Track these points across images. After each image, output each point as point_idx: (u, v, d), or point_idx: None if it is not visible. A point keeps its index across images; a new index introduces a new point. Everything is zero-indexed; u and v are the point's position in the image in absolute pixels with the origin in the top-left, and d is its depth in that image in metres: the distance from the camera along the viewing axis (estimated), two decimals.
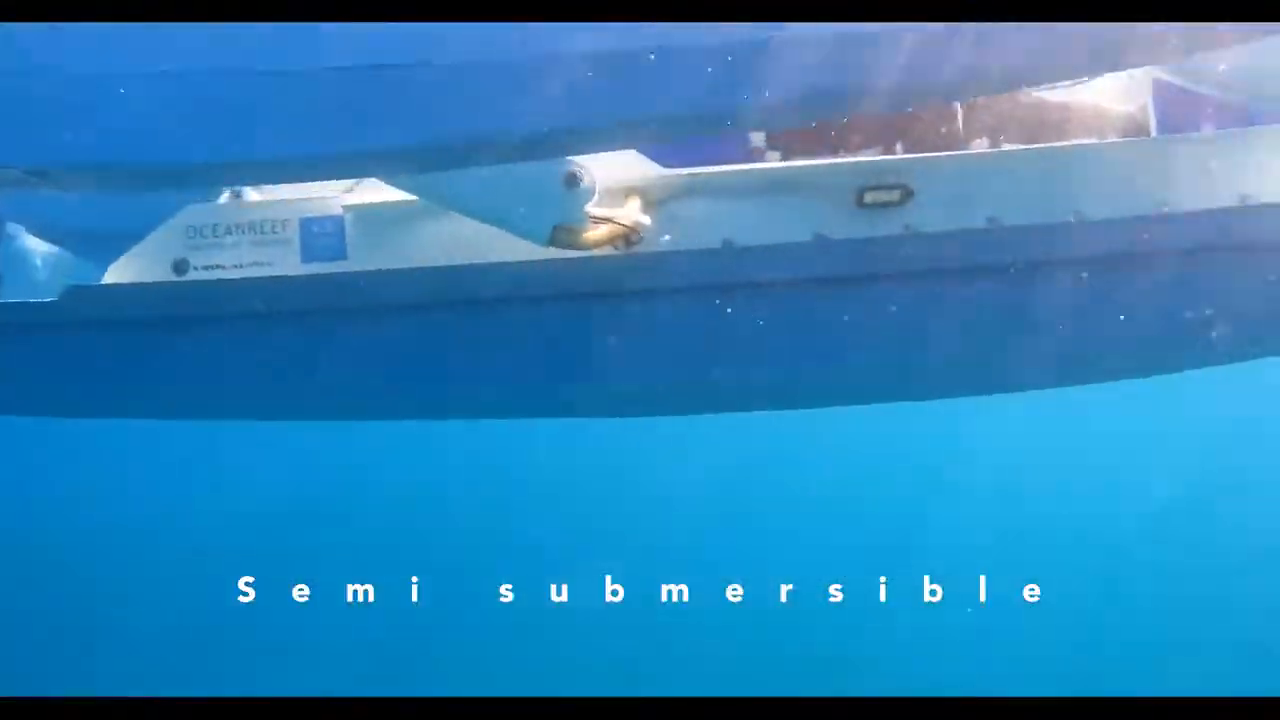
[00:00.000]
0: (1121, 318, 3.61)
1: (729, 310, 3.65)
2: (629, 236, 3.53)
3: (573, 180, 3.37)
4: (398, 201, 3.61)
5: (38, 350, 3.66)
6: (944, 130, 3.91)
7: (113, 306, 3.56)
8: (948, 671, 11.00)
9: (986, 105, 4.01)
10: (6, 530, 11.33)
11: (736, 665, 11.63)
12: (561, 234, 3.40)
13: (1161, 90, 3.82)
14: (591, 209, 3.43)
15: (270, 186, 3.78)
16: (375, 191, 3.67)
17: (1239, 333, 3.73)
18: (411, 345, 3.69)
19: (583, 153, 3.39)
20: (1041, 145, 3.82)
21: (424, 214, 3.61)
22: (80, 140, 2.55)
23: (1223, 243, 3.59)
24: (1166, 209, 3.57)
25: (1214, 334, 3.69)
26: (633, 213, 3.53)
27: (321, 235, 3.65)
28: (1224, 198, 3.60)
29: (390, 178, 3.49)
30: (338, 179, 3.58)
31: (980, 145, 4.02)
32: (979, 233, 3.58)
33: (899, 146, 3.94)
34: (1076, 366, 3.90)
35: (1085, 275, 3.56)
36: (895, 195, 3.59)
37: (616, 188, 3.60)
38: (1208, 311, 3.62)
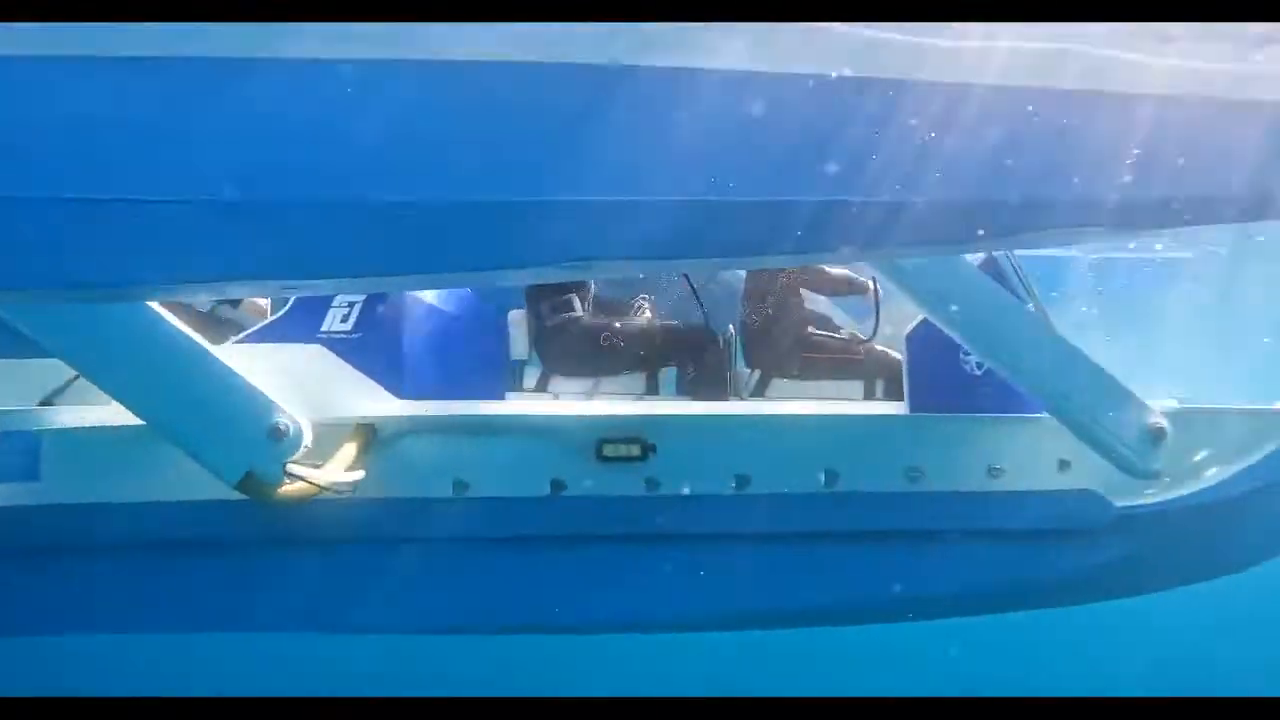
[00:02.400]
0: (858, 587, 3.73)
1: (456, 560, 3.55)
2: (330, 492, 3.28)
3: (276, 434, 3.24)
4: (99, 426, 3.48)
5: None
6: (715, 346, 4.06)
7: None
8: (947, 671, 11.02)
9: (752, 325, 4.15)
10: None
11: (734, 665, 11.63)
12: (252, 482, 3.25)
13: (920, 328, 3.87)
14: (291, 465, 3.27)
15: None
16: (78, 413, 3.52)
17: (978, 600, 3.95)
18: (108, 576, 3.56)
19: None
20: (790, 410, 3.89)
21: (126, 441, 3.46)
22: None
23: (964, 523, 3.69)
24: (916, 485, 3.65)
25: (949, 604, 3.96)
26: (335, 473, 3.33)
27: (14, 454, 3.55)
28: (972, 479, 3.72)
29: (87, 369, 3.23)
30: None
31: (745, 371, 4.21)
32: (720, 497, 3.60)
33: (673, 359, 4.11)
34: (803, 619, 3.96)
35: (832, 544, 3.62)
36: (635, 450, 3.64)
37: (339, 421, 3.44)
38: (945, 586, 3.80)
